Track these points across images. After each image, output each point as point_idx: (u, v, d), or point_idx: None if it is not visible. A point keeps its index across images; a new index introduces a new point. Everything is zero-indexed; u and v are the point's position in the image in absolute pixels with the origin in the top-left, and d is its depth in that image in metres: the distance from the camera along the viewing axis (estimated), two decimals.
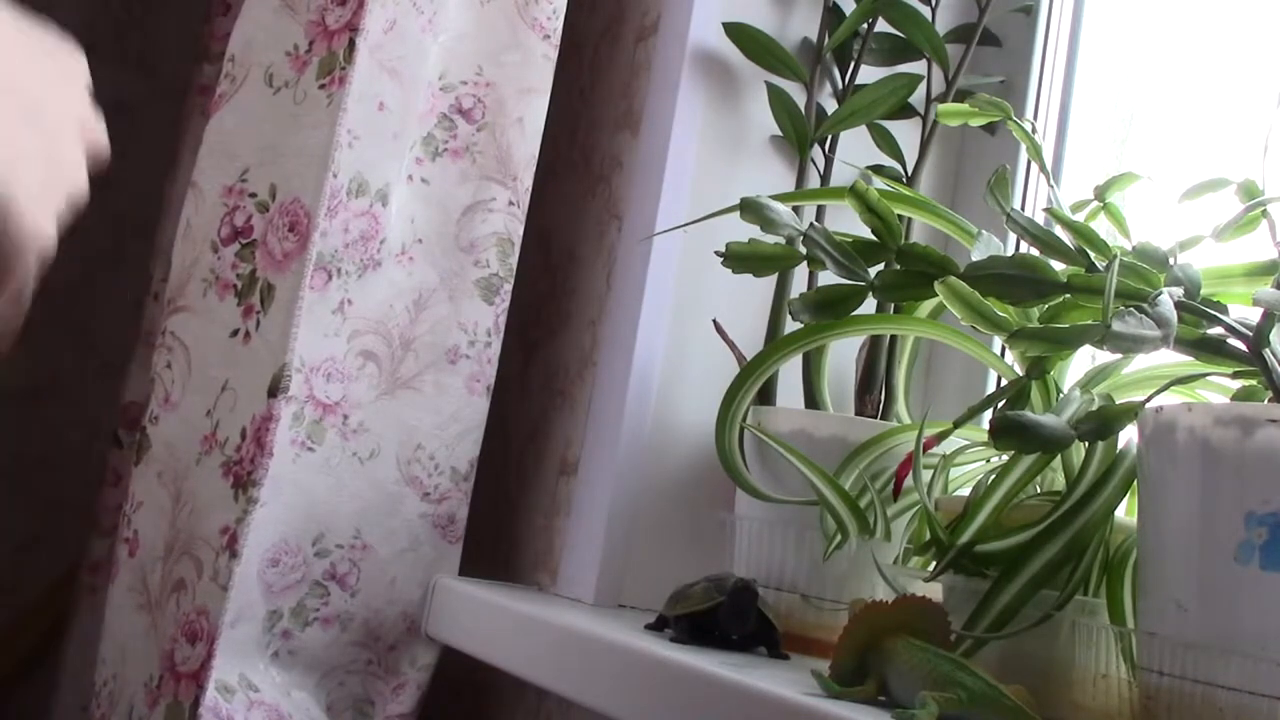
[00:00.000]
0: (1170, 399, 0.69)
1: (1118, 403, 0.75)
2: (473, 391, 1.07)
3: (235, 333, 1.03)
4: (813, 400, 1.01)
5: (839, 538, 0.87)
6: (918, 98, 1.06)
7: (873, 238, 0.83)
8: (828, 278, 0.85)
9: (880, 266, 0.83)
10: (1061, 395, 0.81)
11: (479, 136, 1.08)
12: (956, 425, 0.81)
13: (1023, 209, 1.08)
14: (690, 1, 1.08)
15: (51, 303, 1.09)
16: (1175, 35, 1.08)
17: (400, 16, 1.03)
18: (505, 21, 1.09)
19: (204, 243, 1.07)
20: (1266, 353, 0.67)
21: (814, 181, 1.08)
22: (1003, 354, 0.95)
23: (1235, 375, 0.73)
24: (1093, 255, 0.76)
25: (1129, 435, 0.74)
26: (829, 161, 1.08)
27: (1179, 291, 0.71)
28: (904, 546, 0.91)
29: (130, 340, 1.38)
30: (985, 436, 0.78)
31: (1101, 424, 0.72)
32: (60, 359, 1.62)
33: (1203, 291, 0.73)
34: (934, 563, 0.79)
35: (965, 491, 0.89)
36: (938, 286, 0.76)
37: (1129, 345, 0.66)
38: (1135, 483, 0.74)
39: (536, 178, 1.10)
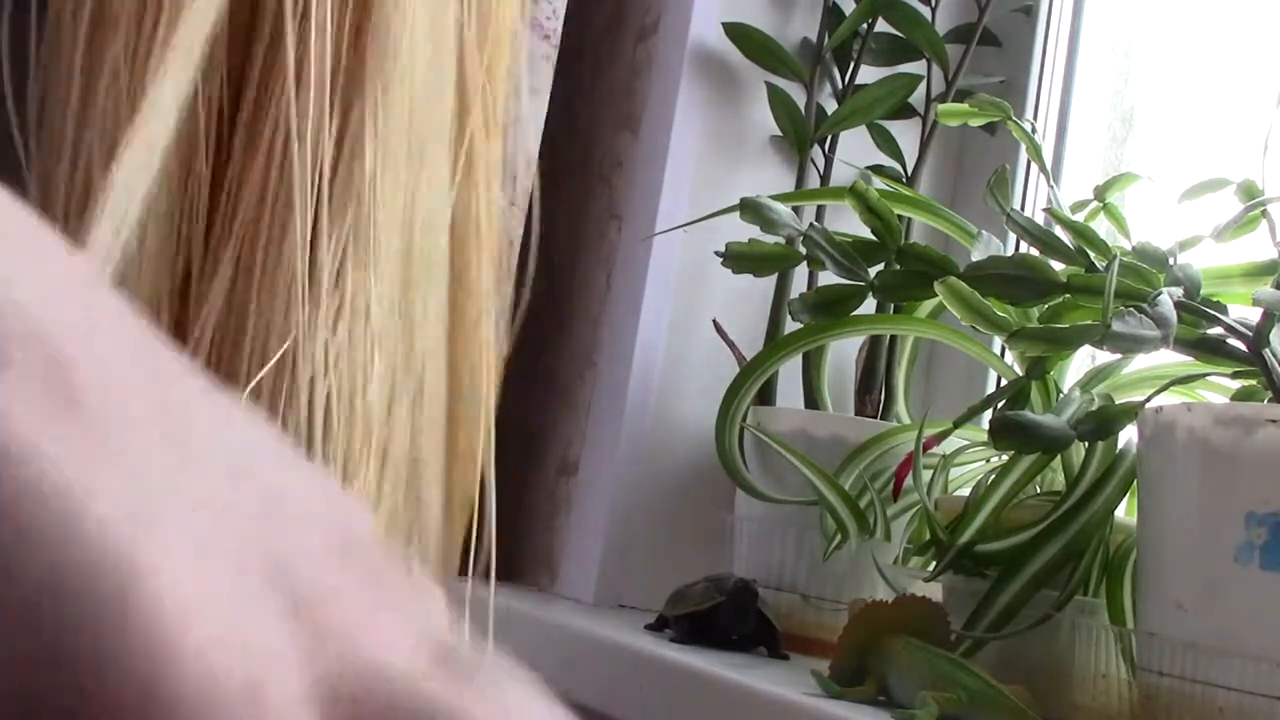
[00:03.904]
0: (1170, 399, 0.69)
1: (1118, 403, 0.75)
2: None
3: None
4: (813, 400, 1.01)
5: (839, 538, 0.87)
6: (918, 98, 1.06)
7: (873, 238, 0.83)
8: (828, 278, 0.85)
9: (880, 266, 0.83)
10: (1061, 395, 0.81)
11: None
12: (956, 425, 0.81)
13: (1023, 209, 1.08)
14: (690, 1, 1.08)
15: None
16: (1175, 35, 1.08)
17: None
18: None
19: None
20: (1266, 353, 0.67)
21: (814, 181, 1.08)
22: (1003, 354, 0.95)
23: (1235, 375, 0.73)
24: (1093, 255, 0.76)
25: (1129, 435, 0.74)
26: (829, 161, 1.08)
27: (1179, 291, 0.71)
28: (904, 546, 0.91)
29: None
30: (985, 436, 0.78)
31: (1101, 424, 0.72)
32: None
33: (1203, 291, 0.73)
34: (934, 563, 0.79)
35: (965, 491, 0.89)
36: (938, 286, 0.76)
37: (1129, 345, 0.66)
38: (1135, 483, 0.74)
39: (536, 178, 1.10)
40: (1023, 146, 0.90)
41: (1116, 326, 0.65)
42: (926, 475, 0.82)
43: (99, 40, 0.47)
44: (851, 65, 1.08)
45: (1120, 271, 0.70)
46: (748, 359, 0.94)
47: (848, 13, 1.06)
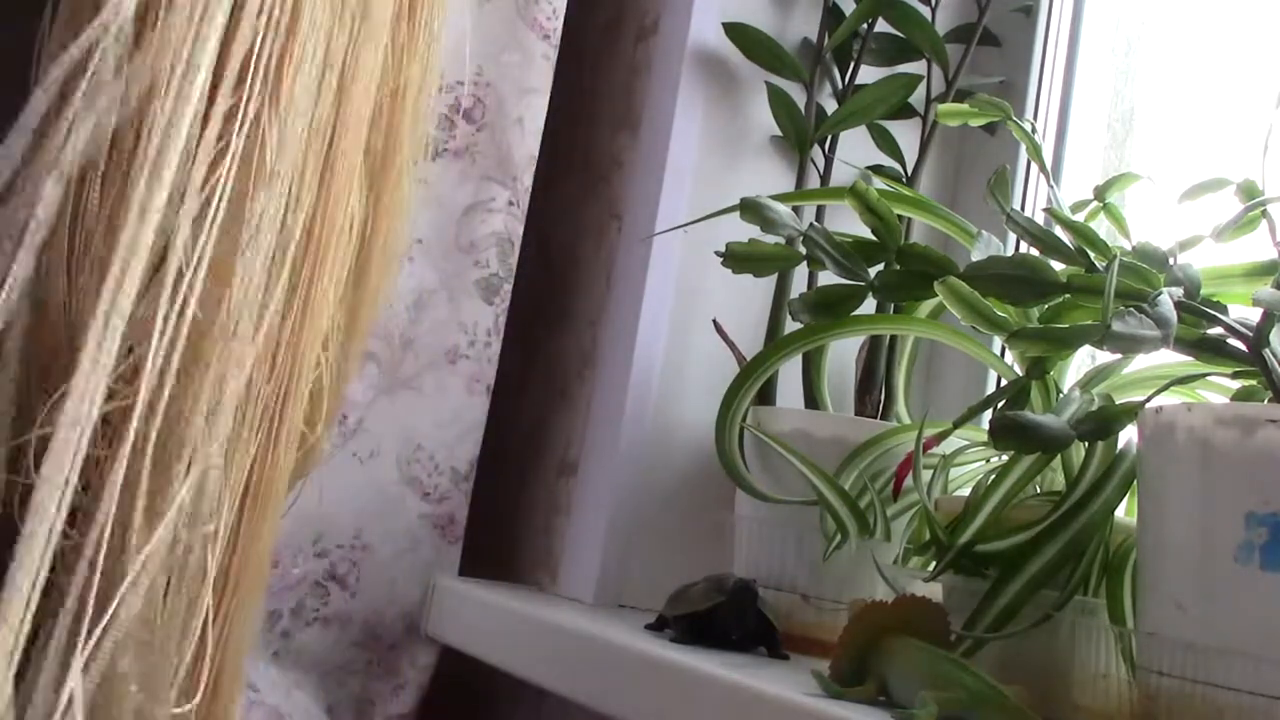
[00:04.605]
0: (1170, 399, 0.69)
1: (1118, 403, 0.75)
2: (472, 391, 1.07)
3: None
4: (813, 400, 1.01)
5: (839, 538, 0.87)
6: (918, 98, 1.06)
7: (873, 238, 0.83)
8: (828, 278, 0.85)
9: (880, 266, 0.83)
10: (1061, 395, 0.81)
11: (479, 136, 1.08)
12: (956, 425, 0.81)
13: (1023, 209, 1.08)
14: (690, 1, 1.08)
15: None
16: (1175, 35, 1.08)
17: None
18: (505, 21, 1.09)
19: None
20: (1266, 353, 0.67)
21: (814, 181, 1.08)
22: (1003, 354, 0.95)
23: (1235, 375, 0.73)
24: (1093, 255, 0.76)
25: (1129, 435, 0.74)
26: (829, 161, 1.08)
27: (1179, 291, 0.71)
28: (904, 546, 0.91)
29: None
30: (985, 436, 0.78)
31: (1101, 424, 0.72)
32: None
33: (1203, 291, 0.73)
34: (934, 563, 0.79)
35: (965, 491, 0.89)
36: (938, 287, 0.76)
37: (1129, 345, 0.66)
38: (1135, 483, 0.74)
39: (536, 178, 1.10)
40: (1023, 146, 0.90)
41: (1116, 326, 0.65)
42: (926, 475, 0.82)
43: None
44: (851, 65, 1.08)
45: (1120, 271, 0.70)
46: (748, 359, 0.94)
47: (848, 13, 1.06)
